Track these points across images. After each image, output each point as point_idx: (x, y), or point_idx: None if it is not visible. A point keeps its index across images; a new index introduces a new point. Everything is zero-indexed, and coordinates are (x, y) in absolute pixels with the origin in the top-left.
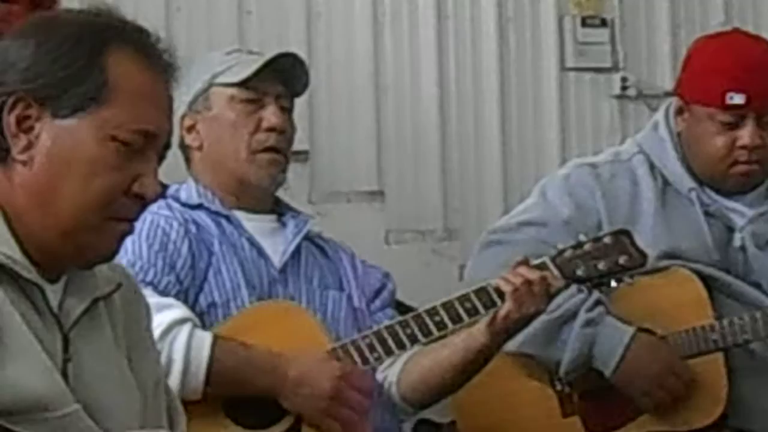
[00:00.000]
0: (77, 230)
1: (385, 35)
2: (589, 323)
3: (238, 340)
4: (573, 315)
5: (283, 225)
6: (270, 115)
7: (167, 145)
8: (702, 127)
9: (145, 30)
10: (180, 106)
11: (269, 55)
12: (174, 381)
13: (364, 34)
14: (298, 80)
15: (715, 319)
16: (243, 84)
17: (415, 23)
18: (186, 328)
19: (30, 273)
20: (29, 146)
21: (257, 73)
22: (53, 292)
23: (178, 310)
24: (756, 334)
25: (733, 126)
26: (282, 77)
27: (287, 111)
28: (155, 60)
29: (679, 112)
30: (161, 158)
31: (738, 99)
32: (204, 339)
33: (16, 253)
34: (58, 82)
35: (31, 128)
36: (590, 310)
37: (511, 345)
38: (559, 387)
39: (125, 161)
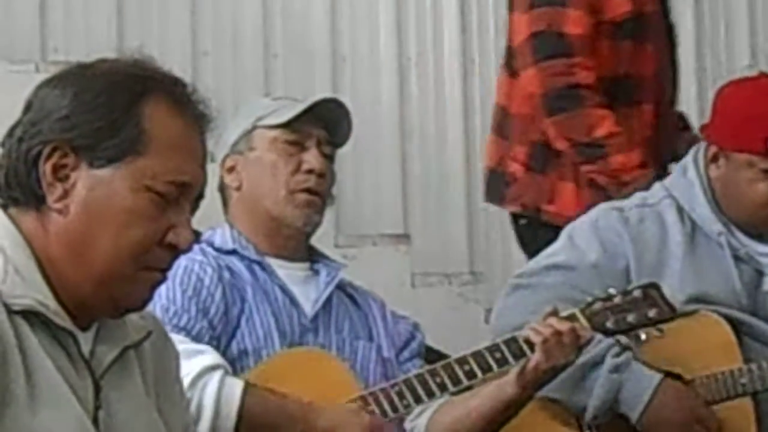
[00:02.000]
0: (111, 280)
1: (410, 79)
2: (616, 369)
3: (269, 389)
4: (600, 360)
5: (315, 273)
6: (311, 157)
7: (200, 196)
8: (742, 174)
9: (180, 80)
10: (223, 149)
11: (315, 98)
12: (204, 428)
13: (390, 77)
14: (342, 128)
15: (744, 363)
16: (286, 126)
17: (440, 67)
18: (217, 375)
19: (63, 320)
20: (65, 195)
21: (301, 115)
22: (85, 339)
23: (209, 357)
24: None
25: None
26: (326, 124)
27: (328, 158)
28: (190, 111)
29: (714, 159)
30: (194, 209)
31: None
32: (235, 386)
33: (50, 301)
34: (94, 132)
35: (67, 177)
36: (617, 355)
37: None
38: None
39: (160, 212)
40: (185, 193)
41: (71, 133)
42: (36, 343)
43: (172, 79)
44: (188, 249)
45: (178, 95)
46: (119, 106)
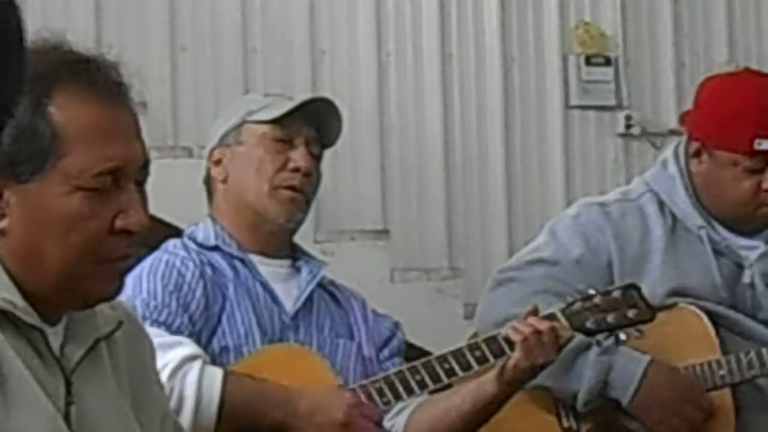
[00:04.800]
0: (72, 282)
1: (389, 74)
2: (604, 351)
3: (249, 375)
4: (587, 345)
5: (297, 271)
6: (298, 156)
7: (146, 163)
8: (726, 172)
9: (84, 57)
10: (212, 140)
11: (307, 96)
12: (186, 417)
13: (369, 72)
14: (332, 129)
15: (722, 356)
16: (276, 122)
17: (419, 62)
18: (197, 365)
19: (32, 318)
20: (3, 215)
21: (291, 113)
22: (54, 335)
23: (188, 348)
24: (764, 369)
25: (758, 170)
26: (316, 123)
27: (316, 158)
28: (101, 89)
29: (696, 154)
30: (144, 178)
31: (767, 145)
32: (215, 374)
33: (17, 298)
34: (8, 148)
35: (0, 195)
36: (604, 339)
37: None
38: (566, 424)
39: (99, 205)
40: (122, 176)
41: None
42: (4, 343)
43: (74, 62)
44: (143, 229)
45: (83, 78)
46: (26, 113)
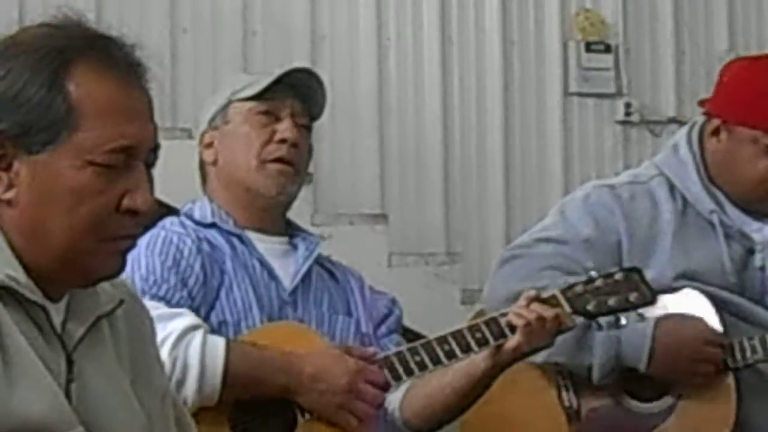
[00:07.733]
0: (75, 258)
1: (389, 58)
2: (610, 326)
3: (251, 342)
4: None
5: (294, 247)
6: (284, 127)
7: (156, 147)
8: (744, 149)
9: (104, 36)
10: (201, 124)
11: (286, 68)
12: (191, 386)
13: (369, 56)
14: (316, 98)
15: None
16: (259, 97)
17: (419, 46)
18: (199, 334)
19: (34, 294)
20: (11, 185)
21: (274, 85)
22: (56, 311)
23: (189, 318)
24: (767, 355)
25: None
26: (301, 95)
27: (304, 128)
28: (120, 67)
29: (715, 132)
30: (153, 161)
31: None
32: (218, 343)
33: (21, 275)
34: (23, 118)
35: (10, 166)
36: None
37: (540, 356)
38: (567, 402)
39: (108, 182)
40: (134, 155)
41: (2, 123)
42: (8, 320)
43: (95, 37)
44: (150, 210)
45: (103, 55)
46: (42, 84)
